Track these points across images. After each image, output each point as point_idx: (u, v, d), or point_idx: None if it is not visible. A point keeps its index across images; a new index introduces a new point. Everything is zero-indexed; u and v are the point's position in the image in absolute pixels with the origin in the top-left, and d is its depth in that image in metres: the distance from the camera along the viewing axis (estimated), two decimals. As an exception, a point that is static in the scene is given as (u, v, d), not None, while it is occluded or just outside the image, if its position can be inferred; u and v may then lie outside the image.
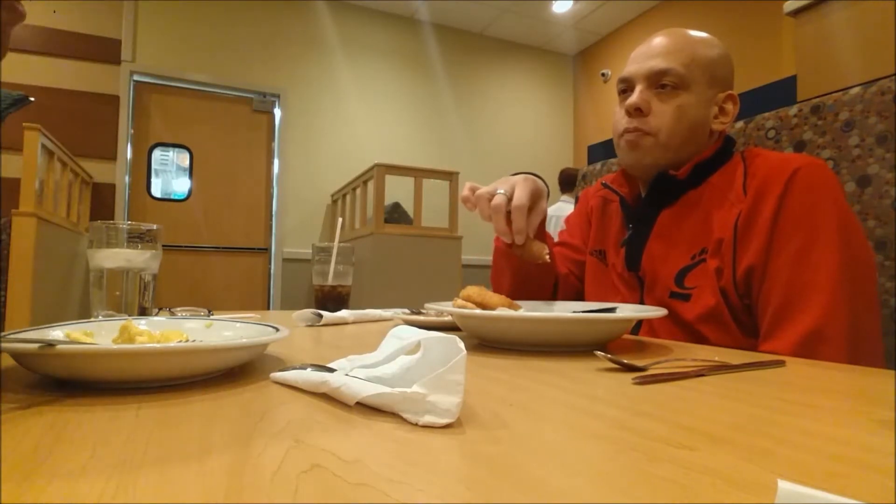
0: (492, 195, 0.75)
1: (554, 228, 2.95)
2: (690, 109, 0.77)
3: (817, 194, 0.67)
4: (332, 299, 1.02)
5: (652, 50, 0.79)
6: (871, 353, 0.64)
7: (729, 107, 0.80)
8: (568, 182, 3.76)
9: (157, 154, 3.93)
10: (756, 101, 2.96)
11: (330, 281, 1.02)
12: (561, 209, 3.43)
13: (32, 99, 0.65)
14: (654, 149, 0.78)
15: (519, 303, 0.69)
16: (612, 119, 0.85)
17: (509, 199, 0.73)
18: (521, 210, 0.72)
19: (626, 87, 0.82)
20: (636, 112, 0.79)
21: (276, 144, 4.21)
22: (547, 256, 0.73)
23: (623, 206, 0.88)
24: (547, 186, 0.81)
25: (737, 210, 0.72)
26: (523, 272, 0.89)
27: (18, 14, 0.45)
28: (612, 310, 0.66)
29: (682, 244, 0.77)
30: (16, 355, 0.35)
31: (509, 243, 0.76)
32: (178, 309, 0.91)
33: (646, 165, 0.80)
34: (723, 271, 0.71)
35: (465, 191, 0.78)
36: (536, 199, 0.76)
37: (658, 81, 0.78)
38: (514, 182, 0.75)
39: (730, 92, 0.80)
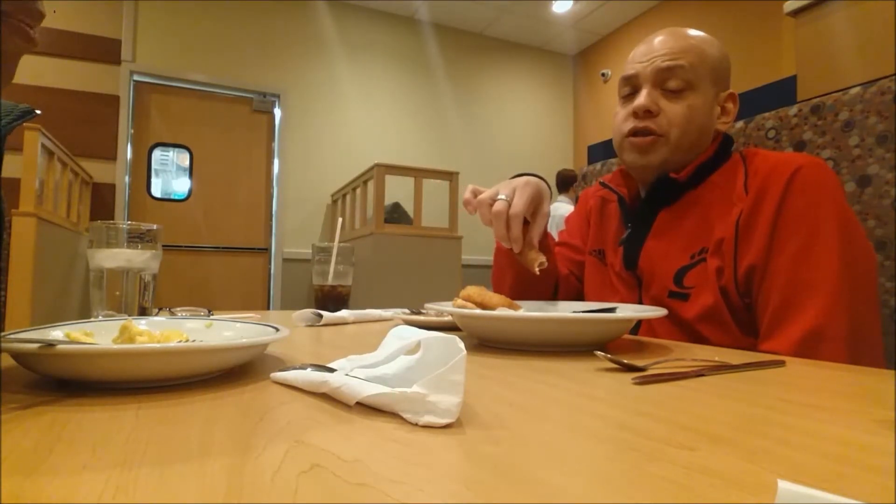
0: (493, 200, 0.74)
1: (551, 227, 2.98)
2: (699, 110, 0.76)
3: (818, 193, 0.67)
4: (332, 299, 1.02)
5: (656, 49, 0.77)
6: (872, 352, 0.64)
7: (730, 106, 0.80)
8: (564, 183, 3.87)
9: (157, 154, 3.93)
10: (756, 101, 2.95)
11: (330, 281, 1.01)
12: (557, 209, 3.51)
13: (38, 112, 0.64)
14: (664, 151, 0.77)
15: (519, 303, 0.69)
16: (612, 119, 0.84)
17: (510, 204, 0.73)
18: (517, 219, 0.72)
19: (630, 87, 0.80)
20: (645, 114, 0.76)
21: (276, 144, 4.21)
22: (538, 269, 0.72)
23: (621, 206, 0.87)
24: (549, 188, 0.81)
25: (738, 209, 0.71)
26: (524, 273, 0.88)
27: (32, 42, 0.42)
28: (612, 310, 0.66)
29: (681, 244, 0.76)
30: (16, 355, 0.35)
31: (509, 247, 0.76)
32: (178, 309, 0.91)
33: (653, 167, 0.78)
34: (724, 270, 0.71)
35: (466, 193, 0.78)
36: (537, 205, 0.76)
37: (665, 81, 0.76)
38: (515, 186, 0.75)
39: (730, 91, 0.80)
